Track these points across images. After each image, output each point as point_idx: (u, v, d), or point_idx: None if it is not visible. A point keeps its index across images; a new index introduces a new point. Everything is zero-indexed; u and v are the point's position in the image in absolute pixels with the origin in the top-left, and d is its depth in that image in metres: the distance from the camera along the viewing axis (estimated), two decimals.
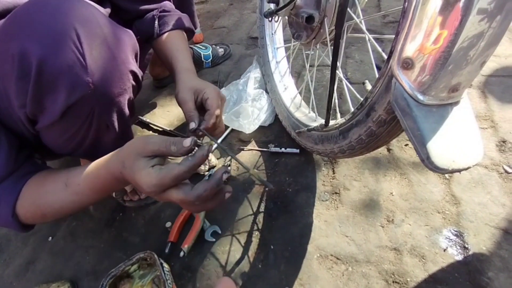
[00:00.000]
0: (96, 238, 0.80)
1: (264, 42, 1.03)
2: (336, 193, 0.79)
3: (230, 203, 0.81)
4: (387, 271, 0.63)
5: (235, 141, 0.98)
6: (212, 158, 0.91)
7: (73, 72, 0.46)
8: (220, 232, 0.75)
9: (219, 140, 0.98)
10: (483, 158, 0.79)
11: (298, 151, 0.89)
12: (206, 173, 0.88)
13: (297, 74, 1.19)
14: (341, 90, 1.04)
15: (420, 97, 0.42)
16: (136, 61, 0.60)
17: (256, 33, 1.31)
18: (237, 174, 0.88)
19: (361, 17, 0.61)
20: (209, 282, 0.67)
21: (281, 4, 0.68)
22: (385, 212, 0.73)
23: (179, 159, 0.42)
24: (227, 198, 0.45)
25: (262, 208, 0.79)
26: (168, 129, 1.05)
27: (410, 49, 0.40)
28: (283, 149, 0.90)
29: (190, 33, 0.88)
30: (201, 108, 0.62)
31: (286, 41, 1.05)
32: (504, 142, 0.82)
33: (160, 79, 1.27)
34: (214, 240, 0.74)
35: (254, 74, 1.06)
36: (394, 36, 0.43)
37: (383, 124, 0.51)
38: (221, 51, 1.35)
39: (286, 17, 0.75)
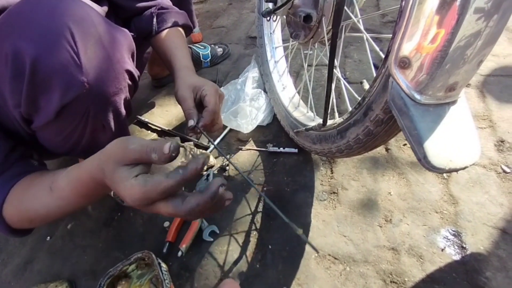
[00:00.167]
0: (94, 237, 0.80)
1: (263, 41, 1.03)
2: (334, 192, 0.79)
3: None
4: (384, 271, 0.63)
5: (233, 141, 0.98)
6: (210, 158, 0.91)
7: (67, 71, 0.46)
8: (218, 232, 0.75)
9: (218, 140, 0.98)
10: (481, 158, 0.79)
11: (296, 150, 0.89)
12: (204, 172, 0.88)
13: (296, 74, 1.19)
14: (339, 89, 1.04)
15: (417, 96, 0.42)
16: (133, 61, 0.60)
17: (255, 33, 1.30)
18: (235, 174, 0.88)
19: (359, 16, 0.61)
20: (207, 282, 0.67)
21: (279, 3, 0.68)
22: (383, 212, 0.73)
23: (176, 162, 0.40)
24: (227, 205, 0.42)
25: (260, 208, 0.78)
26: (167, 128, 1.05)
27: (407, 49, 0.40)
28: (281, 149, 0.90)
29: (188, 30, 0.88)
30: (200, 105, 0.62)
31: (284, 40, 1.05)
32: (502, 141, 0.82)
33: (158, 78, 1.27)
34: (212, 240, 0.74)
35: (252, 74, 1.06)
36: (391, 35, 0.43)
37: (381, 124, 0.51)
38: (220, 50, 1.35)
39: (284, 17, 0.74)
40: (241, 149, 0.94)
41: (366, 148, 0.59)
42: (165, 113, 1.14)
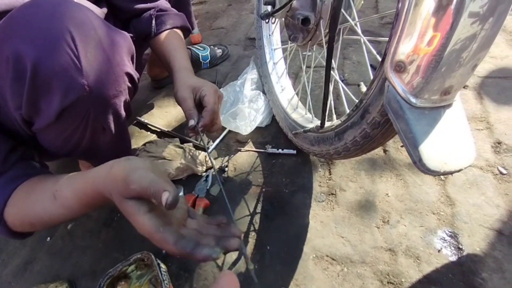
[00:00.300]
0: (94, 238, 0.80)
1: (262, 43, 1.04)
2: (332, 194, 0.79)
3: (228, 204, 0.81)
4: (382, 271, 0.64)
5: (232, 142, 0.98)
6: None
7: (68, 74, 0.46)
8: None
9: (217, 141, 0.99)
10: (478, 160, 0.79)
11: (295, 152, 0.90)
12: (204, 173, 0.89)
13: (295, 75, 1.20)
14: (338, 91, 1.05)
15: (413, 100, 0.42)
16: (133, 63, 0.60)
17: (254, 34, 1.31)
18: (234, 175, 0.89)
19: (357, 19, 0.61)
20: (206, 282, 0.68)
21: (277, 6, 0.69)
22: (381, 213, 0.73)
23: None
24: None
25: (258, 209, 0.79)
26: (166, 129, 1.05)
27: (402, 52, 0.41)
28: (280, 150, 0.91)
29: (187, 31, 0.89)
30: (200, 105, 0.63)
31: (283, 42, 1.06)
32: (499, 143, 0.82)
33: (158, 79, 1.27)
34: None
35: (251, 76, 1.07)
36: (388, 38, 0.43)
37: (377, 126, 0.51)
38: (219, 52, 1.35)
39: (283, 19, 0.75)
40: (240, 150, 0.95)
41: (364, 150, 0.59)
42: (165, 114, 1.14)
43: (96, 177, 0.42)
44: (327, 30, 0.64)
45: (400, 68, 0.42)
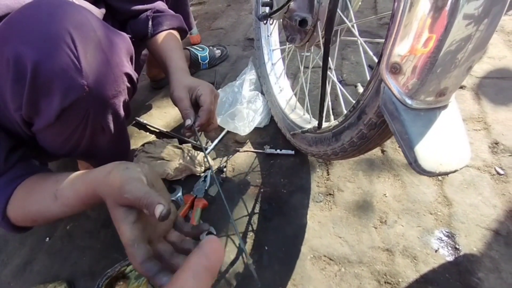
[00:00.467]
0: (93, 238, 0.81)
1: (260, 44, 1.04)
2: (330, 194, 0.79)
3: (226, 204, 0.81)
4: (379, 271, 0.64)
5: (231, 143, 0.99)
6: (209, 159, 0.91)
7: (68, 75, 0.47)
8: (215, 233, 0.76)
9: (215, 142, 0.99)
10: (476, 160, 0.80)
11: (293, 152, 0.90)
12: (202, 174, 0.89)
13: (293, 76, 1.20)
14: (336, 92, 1.05)
15: (408, 101, 0.42)
16: (132, 64, 0.61)
17: (253, 35, 1.32)
18: (233, 175, 0.89)
19: (354, 20, 0.62)
20: None
21: (275, 8, 0.69)
22: (378, 213, 0.73)
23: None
24: None
25: (257, 209, 0.79)
26: (165, 130, 1.06)
27: (397, 54, 0.41)
28: (278, 151, 0.91)
29: (183, 33, 0.90)
30: (196, 105, 0.64)
31: (281, 43, 1.06)
32: (496, 144, 0.82)
33: (157, 80, 1.27)
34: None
35: (249, 76, 1.07)
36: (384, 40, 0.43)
37: (374, 127, 0.52)
38: (218, 52, 1.36)
39: (281, 20, 0.75)
40: (238, 151, 0.95)
41: (361, 151, 0.59)
42: (163, 115, 1.15)
43: (95, 180, 0.43)
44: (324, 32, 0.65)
45: (395, 69, 0.42)
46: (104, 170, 0.43)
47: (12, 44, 0.45)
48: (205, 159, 0.90)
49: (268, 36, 1.04)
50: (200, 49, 1.32)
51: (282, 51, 1.02)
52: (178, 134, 1.03)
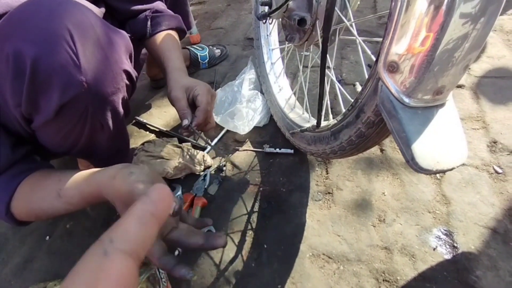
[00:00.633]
0: (93, 237, 0.81)
1: (259, 43, 1.04)
2: (329, 193, 0.80)
3: (225, 203, 0.82)
4: (377, 269, 0.64)
5: (230, 142, 0.99)
6: (208, 159, 0.92)
7: (66, 71, 0.47)
8: (214, 231, 0.76)
9: (215, 141, 0.99)
10: (474, 159, 0.80)
11: (292, 151, 0.90)
12: (202, 173, 0.89)
13: (293, 75, 1.20)
14: (335, 91, 1.05)
15: (406, 99, 0.43)
16: (131, 62, 0.61)
17: (252, 34, 1.32)
18: (232, 174, 0.89)
19: (352, 19, 0.62)
20: (203, 280, 0.68)
21: (274, 7, 0.69)
22: (377, 211, 0.74)
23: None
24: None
25: (256, 208, 0.80)
26: (165, 129, 1.06)
27: (395, 53, 0.41)
28: (277, 150, 0.92)
29: (182, 33, 0.90)
30: (193, 105, 0.64)
31: (281, 42, 1.06)
32: (495, 142, 0.83)
33: (157, 79, 1.28)
34: None
35: (248, 76, 1.07)
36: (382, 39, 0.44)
37: (372, 126, 0.52)
38: (217, 52, 1.36)
39: (280, 20, 0.76)
40: (238, 150, 0.96)
41: (359, 149, 0.60)
42: (163, 114, 1.15)
43: (100, 183, 0.46)
44: None
45: (393, 68, 0.42)
46: (108, 174, 0.46)
47: (12, 41, 0.45)
48: (205, 158, 0.91)
49: (267, 35, 1.04)
50: (200, 49, 1.32)
51: (282, 50, 1.02)
52: (177, 133, 1.04)
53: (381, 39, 0.44)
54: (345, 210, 0.75)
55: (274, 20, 0.85)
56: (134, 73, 0.61)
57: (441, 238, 0.67)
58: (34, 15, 0.46)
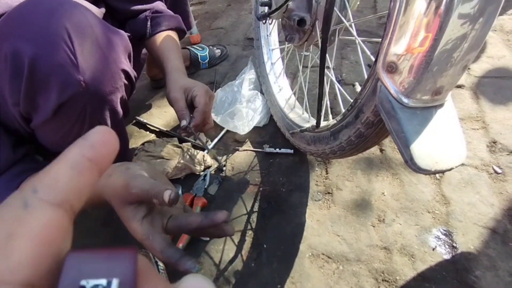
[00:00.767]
0: (93, 237, 0.81)
1: (259, 43, 1.05)
2: (329, 193, 0.80)
3: (224, 203, 0.82)
4: (377, 269, 0.65)
5: (230, 142, 0.99)
6: (208, 159, 0.92)
7: (64, 70, 0.47)
8: None
9: (215, 141, 0.99)
10: (474, 159, 0.80)
11: (292, 151, 0.90)
12: (202, 173, 0.90)
13: (293, 75, 1.20)
14: (335, 91, 1.05)
15: (405, 100, 0.43)
16: (130, 61, 0.61)
17: (253, 34, 1.32)
18: (232, 174, 0.89)
19: (351, 20, 0.62)
20: None
21: (274, 7, 0.69)
22: (377, 211, 0.74)
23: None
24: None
25: (256, 208, 0.80)
26: (165, 129, 1.06)
27: (394, 53, 0.42)
28: (277, 150, 0.92)
29: (182, 33, 0.90)
30: (191, 106, 0.65)
31: (281, 42, 1.06)
32: (494, 142, 0.83)
33: (157, 80, 1.28)
34: (208, 239, 0.75)
35: (248, 76, 1.07)
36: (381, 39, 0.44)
37: (371, 126, 0.52)
38: (218, 52, 1.36)
39: (280, 20, 0.76)
40: (238, 150, 0.96)
41: (358, 149, 0.60)
42: (163, 114, 1.15)
43: (98, 184, 0.44)
44: None
45: (392, 68, 0.43)
46: (104, 173, 0.44)
47: (10, 40, 0.46)
48: (205, 158, 0.91)
49: (267, 35, 1.04)
50: (200, 49, 1.33)
51: (282, 50, 1.02)
52: (177, 133, 1.04)
53: (379, 40, 0.45)
54: (345, 210, 0.76)
55: (274, 20, 0.85)
56: (133, 73, 0.61)
57: (440, 238, 0.67)
58: (32, 15, 0.47)
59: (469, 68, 1.06)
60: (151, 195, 0.39)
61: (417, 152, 0.42)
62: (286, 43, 0.84)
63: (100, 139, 0.17)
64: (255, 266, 0.69)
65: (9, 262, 0.12)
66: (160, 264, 0.68)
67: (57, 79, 0.47)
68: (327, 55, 0.74)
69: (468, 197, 0.73)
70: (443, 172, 0.43)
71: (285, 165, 0.89)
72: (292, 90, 0.98)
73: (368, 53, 0.56)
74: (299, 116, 0.86)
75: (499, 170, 0.76)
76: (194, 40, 1.51)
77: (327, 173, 0.84)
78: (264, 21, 0.77)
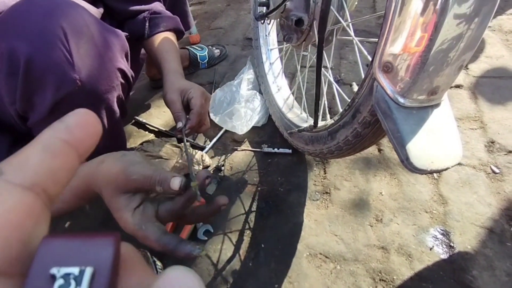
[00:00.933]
0: None
1: (258, 43, 1.05)
2: (326, 192, 0.80)
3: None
4: (374, 269, 0.65)
5: (229, 142, 0.99)
6: (206, 158, 0.92)
7: (60, 69, 0.48)
8: (212, 231, 0.76)
9: (214, 140, 1.00)
10: (471, 158, 0.80)
11: (290, 151, 0.90)
12: None
13: (292, 75, 1.20)
14: (333, 91, 1.05)
15: (401, 100, 0.43)
16: (127, 60, 0.61)
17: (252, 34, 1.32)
18: (230, 173, 0.89)
19: (349, 20, 0.62)
20: (201, 280, 0.68)
21: (271, 7, 0.70)
22: (374, 211, 0.74)
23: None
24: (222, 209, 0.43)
25: (254, 208, 0.80)
26: (164, 129, 1.06)
27: (390, 53, 0.42)
28: (275, 150, 0.92)
29: (180, 34, 0.90)
30: (188, 107, 0.65)
31: (280, 42, 1.07)
32: (492, 142, 0.83)
33: (156, 80, 1.28)
34: (206, 239, 0.75)
35: (247, 76, 1.08)
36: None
37: (368, 126, 0.52)
38: (217, 52, 1.36)
39: (278, 20, 0.76)
40: (236, 150, 0.96)
41: (356, 149, 0.60)
42: (163, 114, 1.15)
43: (87, 173, 0.42)
44: None
45: (388, 68, 0.43)
46: (95, 161, 0.41)
47: (6, 39, 0.46)
48: (204, 158, 0.91)
49: (266, 35, 1.04)
50: (199, 49, 1.33)
51: (280, 50, 1.02)
52: (174, 134, 1.04)
53: (376, 40, 0.45)
54: (343, 210, 0.76)
55: (272, 20, 0.85)
56: (129, 72, 0.61)
57: (437, 238, 0.67)
58: (28, 14, 0.47)
59: (467, 68, 1.06)
60: (155, 182, 0.36)
61: (413, 151, 0.42)
62: (285, 43, 0.84)
63: (77, 120, 0.16)
64: (253, 265, 0.69)
65: None
66: (158, 263, 0.68)
67: (53, 77, 0.48)
68: (325, 55, 0.74)
69: (465, 197, 0.73)
70: (439, 171, 0.44)
71: (283, 165, 0.89)
72: (291, 90, 0.98)
73: (365, 53, 0.56)
74: (297, 116, 0.87)
75: (497, 170, 0.76)
76: (193, 40, 1.52)
77: (325, 173, 0.85)
78: (262, 21, 0.77)
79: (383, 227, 0.71)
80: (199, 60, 1.31)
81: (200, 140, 1.00)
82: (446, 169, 0.43)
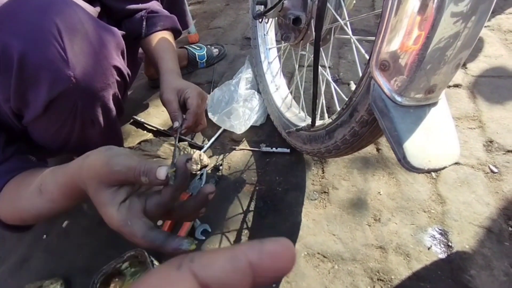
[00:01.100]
0: (90, 236, 0.81)
1: (257, 42, 1.04)
2: (325, 192, 0.80)
3: (221, 202, 0.82)
4: (372, 269, 0.65)
5: (227, 141, 0.99)
6: (204, 158, 0.92)
7: (54, 66, 0.47)
8: (210, 230, 0.76)
9: (212, 140, 0.99)
10: (470, 158, 0.80)
11: (288, 150, 0.90)
12: (198, 172, 0.89)
13: (290, 74, 1.20)
14: (331, 90, 1.05)
15: (398, 98, 0.43)
16: (124, 59, 0.61)
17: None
18: (228, 173, 0.89)
19: (347, 18, 0.62)
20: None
21: (269, 6, 0.69)
22: (372, 211, 0.74)
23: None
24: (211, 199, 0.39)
25: (252, 207, 0.80)
26: (162, 128, 1.06)
27: (387, 51, 0.41)
28: (274, 149, 0.92)
29: (177, 33, 0.90)
30: (184, 107, 0.65)
31: (278, 41, 1.06)
32: (491, 142, 0.83)
33: (154, 79, 1.28)
34: (204, 238, 0.75)
35: (245, 75, 1.07)
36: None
37: (366, 125, 0.52)
38: (215, 51, 1.36)
39: (276, 19, 0.76)
40: (234, 149, 0.96)
41: (353, 148, 0.60)
42: (161, 113, 1.15)
43: (72, 169, 0.40)
44: None
45: (385, 67, 0.43)
46: (81, 157, 0.40)
47: (0, 36, 0.45)
48: (202, 157, 0.91)
49: (264, 34, 1.04)
50: (198, 48, 1.33)
51: (279, 49, 1.02)
52: (171, 134, 1.04)
53: (373, 38, 0.44)
54: (341, 209, 0.76)
55: (270, 19, 0.85)
56: (126, 70, 0.61)
57: (436, 238, 0.67)
58: (22, 10, 0.47)
59: (466, 67, 1.06)
60: (140, 172, 0.34)
61: (410, 150, 0.42)
62: (282, 42, 0.84)
63: (274, 250, 0.16)
64: None
65: None
66: (156, 263, 0.68)
67: (47, 74, 0.47)
68: (323, 54, 0.74)
69: (464, 196, 0.73)
70: (436, 171, 0.44)
71: (282, 164, 0.89)
72: (289, 89, 0.98)
73: (363, 51, 0.56)
74: (296, 115, 0.86)
75: (495, 170, 0.76)
76: (192, 39, 1.51)
77: (323, 172, 0.84)
78: (260, 20, 0.76)
79: (381, 226, 0.71)
80: (197, 60, 1.31)
81: (198, 139, 1.00)
82: (443, 168, 0.43)
